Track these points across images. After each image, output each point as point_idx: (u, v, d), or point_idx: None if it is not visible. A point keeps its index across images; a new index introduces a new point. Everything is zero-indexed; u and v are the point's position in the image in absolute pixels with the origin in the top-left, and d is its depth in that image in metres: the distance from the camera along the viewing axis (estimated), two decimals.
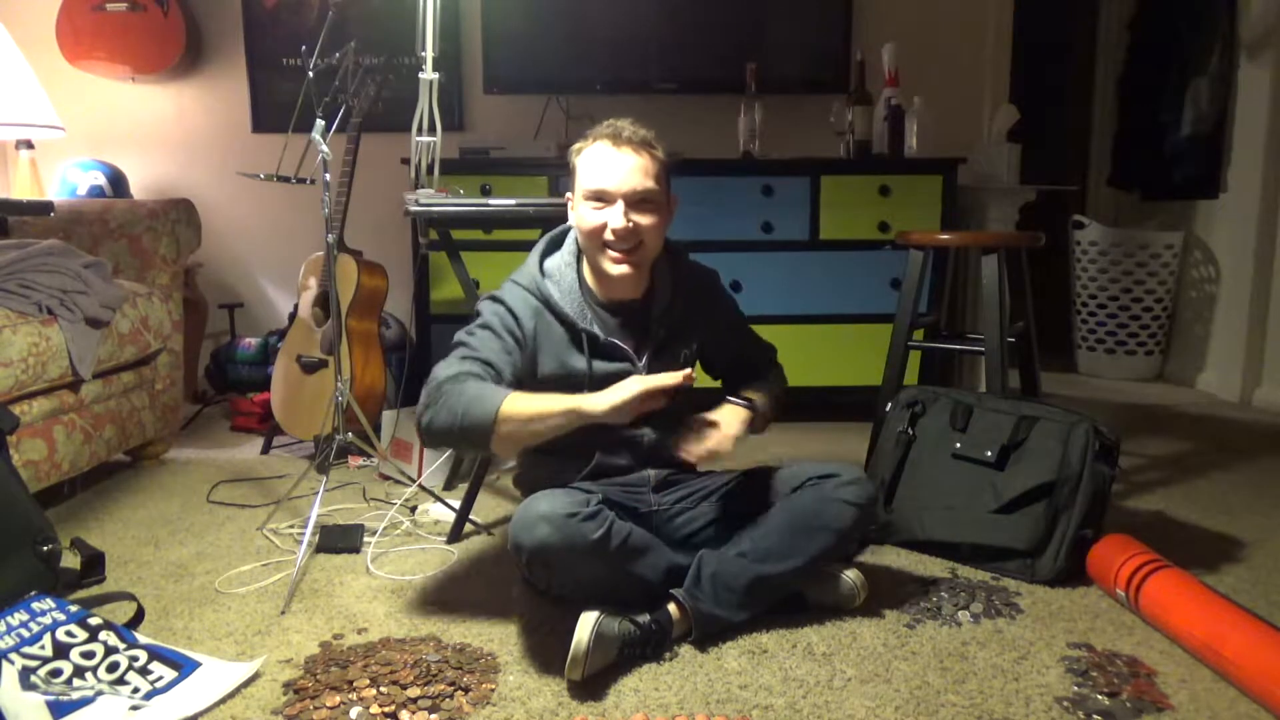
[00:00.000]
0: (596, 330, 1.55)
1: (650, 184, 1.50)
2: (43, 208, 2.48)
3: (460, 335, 1.53)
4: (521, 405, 1.37)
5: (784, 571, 1.49)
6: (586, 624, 1.31)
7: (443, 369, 1.47)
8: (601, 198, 1.49)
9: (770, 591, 1.50)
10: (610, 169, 1.49)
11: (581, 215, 1.52)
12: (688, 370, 1.37)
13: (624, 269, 1.52)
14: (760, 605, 1.49)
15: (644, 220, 1.51)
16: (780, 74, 3.27)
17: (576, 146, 1.54)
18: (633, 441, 1.59)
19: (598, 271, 1.56)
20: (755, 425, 1.60)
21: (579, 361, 1.54)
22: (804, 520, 1.51)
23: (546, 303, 1.55)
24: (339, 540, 1.87)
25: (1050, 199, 3.53)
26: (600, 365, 1.54)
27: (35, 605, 1.33)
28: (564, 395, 1.40)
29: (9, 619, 1.28)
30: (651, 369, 1.55)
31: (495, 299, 1.56)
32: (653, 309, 1.61)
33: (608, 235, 1.49)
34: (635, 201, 1.49)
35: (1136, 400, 3.44)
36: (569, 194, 1.58)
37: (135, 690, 1.26)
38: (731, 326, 1.74)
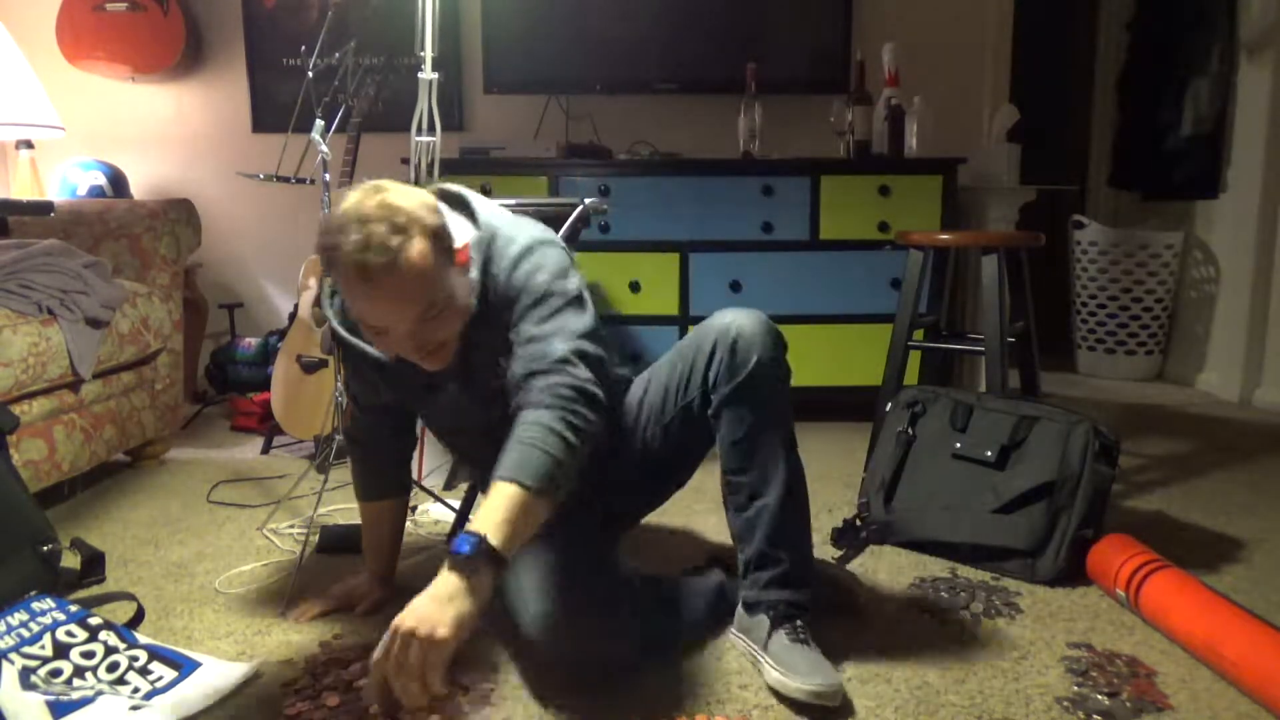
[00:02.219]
0: (382, 358, 1.38)
1: (429, 298, 1.20)
2: (43, 208, 2.48)
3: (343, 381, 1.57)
4: (363, 522, 1.64)
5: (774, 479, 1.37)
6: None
7: (347, 434, 1.62)
8: (383, 332, 1.24)
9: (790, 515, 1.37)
10: (373, 310, 1.20)
11: (365, 331, 1.28)
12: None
13: (432, 365, 1.30)
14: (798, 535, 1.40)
15: (443, 328, 1.25)
16: (780, 74, 3.27)
17: (322, 255, 1.21)
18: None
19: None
20: (477, 595, 1.10)
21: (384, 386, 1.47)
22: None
23: (345, 342, 1.42)
24: (339, 540, 1.87)
25: (1050, 199, 3.53)
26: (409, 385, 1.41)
27: (35, 605, 1.33)
28: (374, 552, 1.63)
29: (9, 619, 1.28)
30: (468, 389, 1.38)
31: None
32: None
33: (412, 356, 1.28)
34: (424, 321, 1.23)
35: (1136, 400, 3.44)
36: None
37: (135, 690, 1.26)
38: (520, 318, 1.30)
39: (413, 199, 1.21)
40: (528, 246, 1.32)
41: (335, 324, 1.42)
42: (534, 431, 1.19)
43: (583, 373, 1.25)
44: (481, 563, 1.10)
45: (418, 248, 1.18)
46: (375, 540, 1.63)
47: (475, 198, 1.40)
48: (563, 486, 1.18)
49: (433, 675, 1.05)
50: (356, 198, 1.20)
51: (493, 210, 1.39)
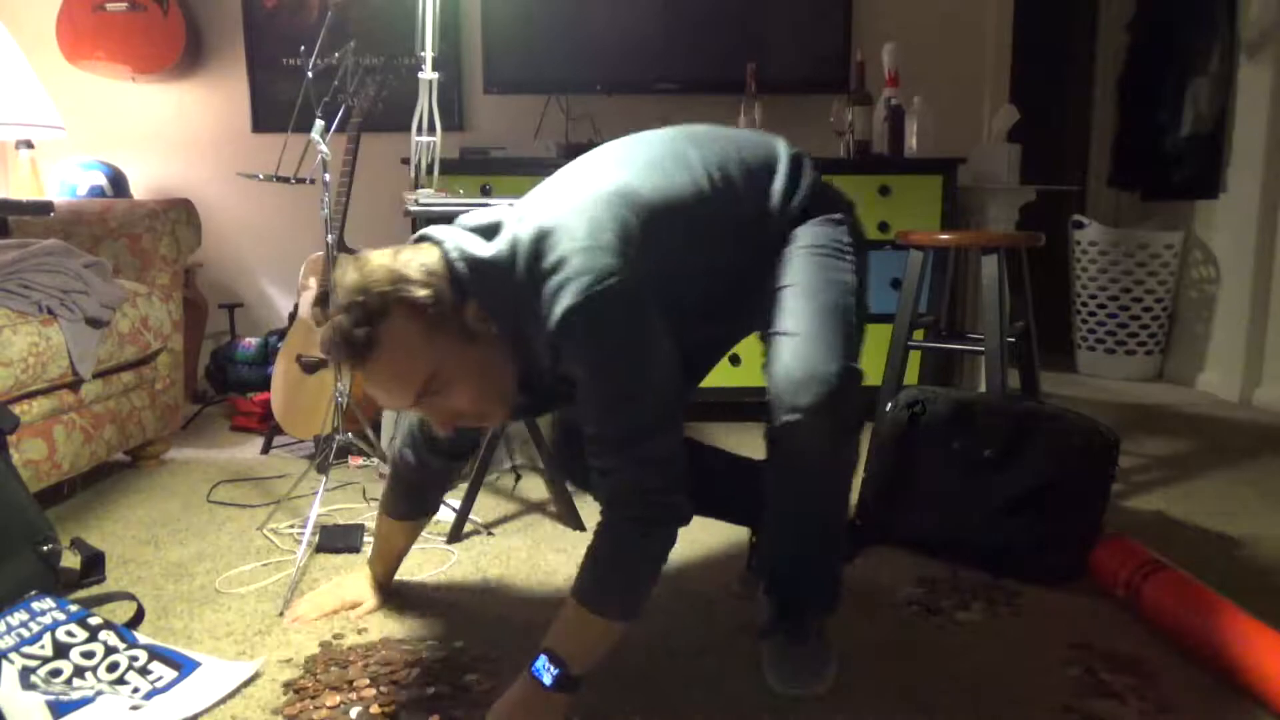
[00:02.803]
0: None
1: (419, 377, 1.13)
2: (43, 208, 2.48)
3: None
4: (380, 532, 1.61)
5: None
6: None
7: (403, 441, 1.53)
8: None
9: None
10: (375, 395, 1.18)
11: None
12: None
13: (490, 423, 1.27)
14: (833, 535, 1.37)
15: (455, 399, 1.16)
16: (780, 74, 3.27)
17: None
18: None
19: None
20: None
21: None
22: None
23: None
24: (339, 540, 1.87)
25: (1050, 199, 3.53)
26: None
27: (35, 605, 1.33)
28: (385, 563, 1.63)
29: (9, 619, 1.28)
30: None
31: None
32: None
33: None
34: (426, 398, 1.16)
35: (1136, 400, 3.44)
36: None
37: (135, 690, 1.26)
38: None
39: (394, 268, 1.12)
40: (562, 283, 1.09)
41: None
42: (617, 558, 1.17)
43: (655, 499, 1.15)
44: (562, 696, 1.14)
45: (391, 332, 1.10)
46: (388, 552, 1.62)
47: (488, 215, 1.24)
48: (643, 604, 1.19)
49: None
50: (338, 279, 1.14)
51: (515, 217, 1.20)
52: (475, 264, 1.16)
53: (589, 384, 1.14)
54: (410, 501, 1.56)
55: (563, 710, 1.16)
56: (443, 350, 1.13)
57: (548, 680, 1.13)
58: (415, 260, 1.14)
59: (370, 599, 1.59)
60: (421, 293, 1.11)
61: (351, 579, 1.63)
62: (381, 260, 1.14)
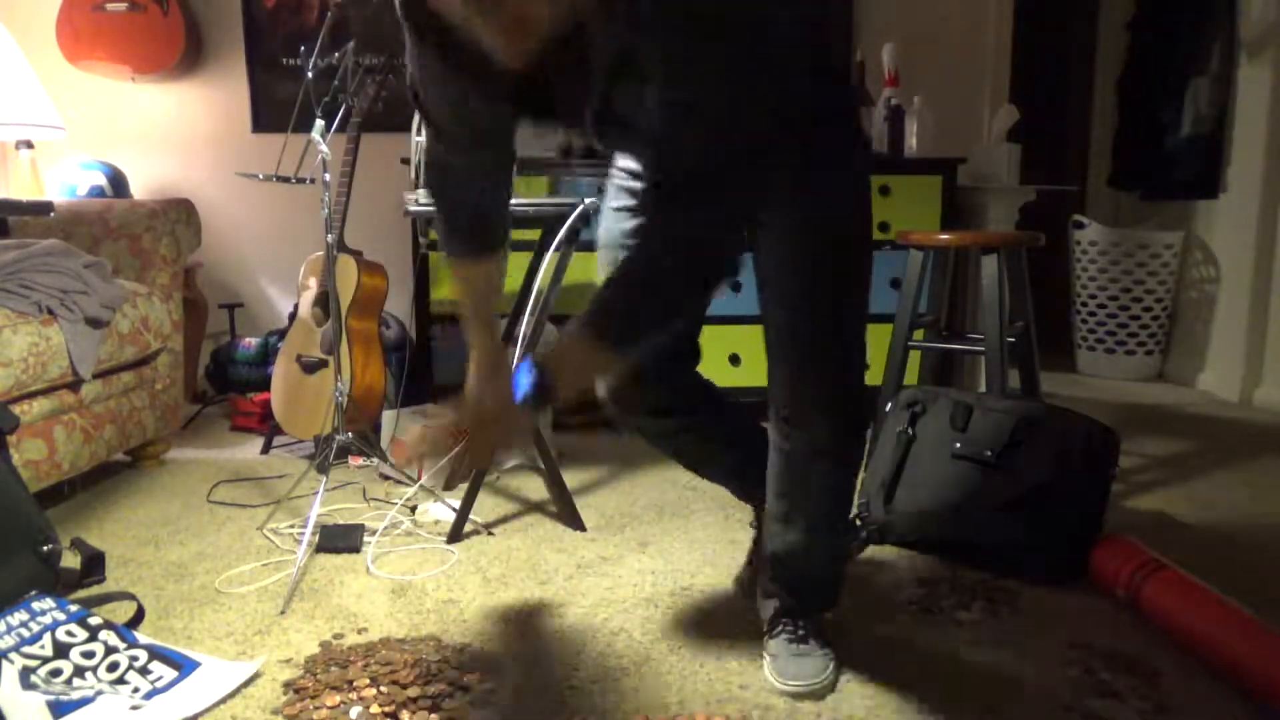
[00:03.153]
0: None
1: None
2: (42, 208, 2.48)
3: (411, 84, 1.29)
4: (459, 282, 1.33)
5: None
6: None
7: (428, 174, 1.34)
8: None
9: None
10: None
11: None
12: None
13: (512, 54, 0.95)
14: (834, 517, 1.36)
15: None
16: None
17: None
18: None
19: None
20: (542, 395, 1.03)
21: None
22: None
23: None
24: (339, 540, 1.87)
25: (1050, 199, 3.53)
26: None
27: (35, 605, 1.33)
28: (478, 318, 1.31)
29: (9, 619, 1.28)
30: (600, 130, 1.14)
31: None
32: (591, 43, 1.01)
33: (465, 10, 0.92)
34: None
35: (1136, 400, 3.44)
36: None
37: (135, 690, 1.26)
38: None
39: None
40: None
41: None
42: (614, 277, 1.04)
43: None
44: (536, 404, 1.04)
45: None
46: (479, 302, 1.32)
47: None
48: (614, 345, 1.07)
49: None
50: None
51: None
52: None
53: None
54: (466, 230, 1.31)
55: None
56: None
57: (529, 386, 1.04)
58: None
59: (496, 375, 1.32)
60: None
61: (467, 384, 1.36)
62: None
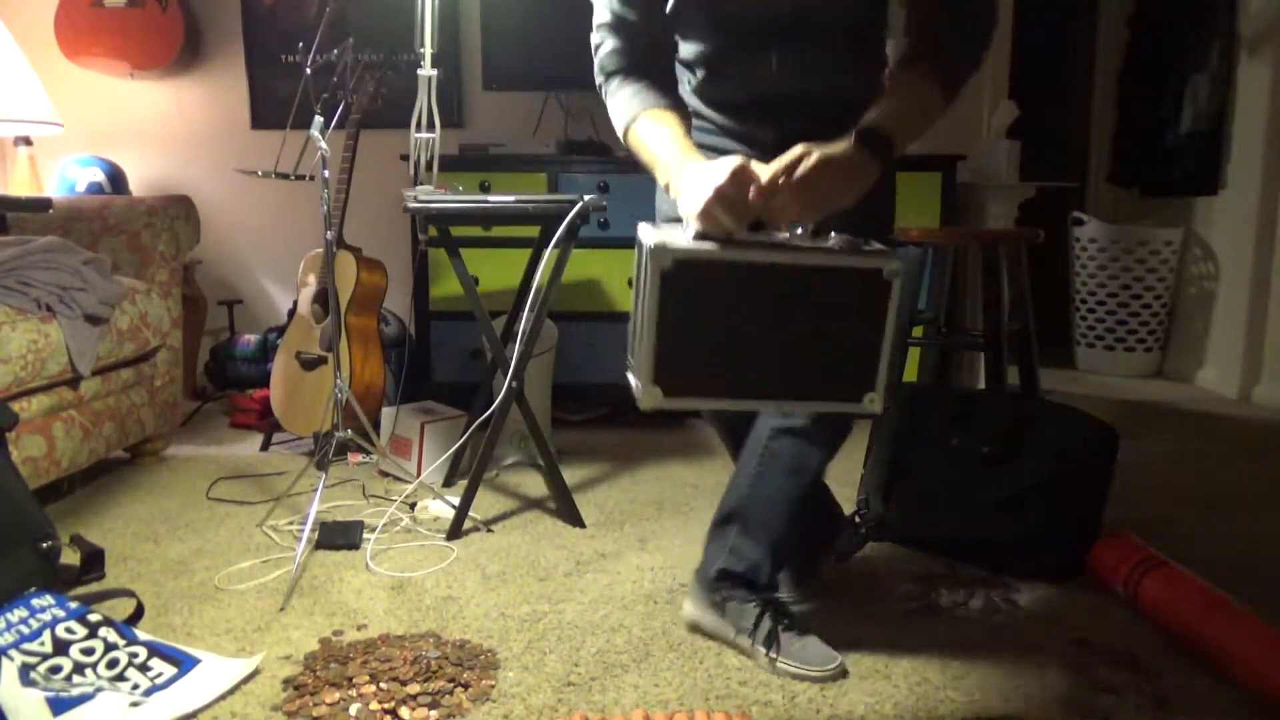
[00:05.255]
0: None
1: None
2: (41, 204, 2.48)
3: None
4: (639, 138, 1.32)
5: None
6: None
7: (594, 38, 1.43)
8: None
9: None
10: None
11: None
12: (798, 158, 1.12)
13: None
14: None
15: None
16: None
17: None
18: None
19: None
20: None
21: None
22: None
23: None
24: (338, 537, 1.87)
25: (1050, 196, 3.52)
26: None
27: (35, 602, 1.33)
28: (670, 151, 1.26)
29: (8, 615, 1.28)
30: None
31: None
32: None
33: None
34: None
35: (1135, 397, 3.44)
36: None
37: (135, 687, 1.26)
38: None
39: None
40: None
41: None
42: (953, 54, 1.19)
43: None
44: (881, 157, 1.12)
45: None
46: (662, 140, 1.28)
47: None
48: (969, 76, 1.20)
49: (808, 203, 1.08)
50: None
51: None
52: None
53: None
54: (647, 87, 1.35)
55: (871, 177, 1.13)
56: None
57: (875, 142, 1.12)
58: None
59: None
60: None
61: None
62: None
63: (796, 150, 1.08)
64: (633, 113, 1.33)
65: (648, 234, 1.12)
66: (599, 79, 1.41)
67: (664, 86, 1.37)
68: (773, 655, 1.35)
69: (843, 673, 1.34)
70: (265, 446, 2.66)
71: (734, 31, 1.32)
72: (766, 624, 1.37)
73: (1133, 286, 3.77)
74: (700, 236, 1.12)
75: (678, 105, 1.36)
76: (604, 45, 1.41)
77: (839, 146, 1.11)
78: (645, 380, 1.14)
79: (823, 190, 1.08)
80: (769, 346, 1.14)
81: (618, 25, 1.38)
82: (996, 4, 1.24)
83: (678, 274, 1.10)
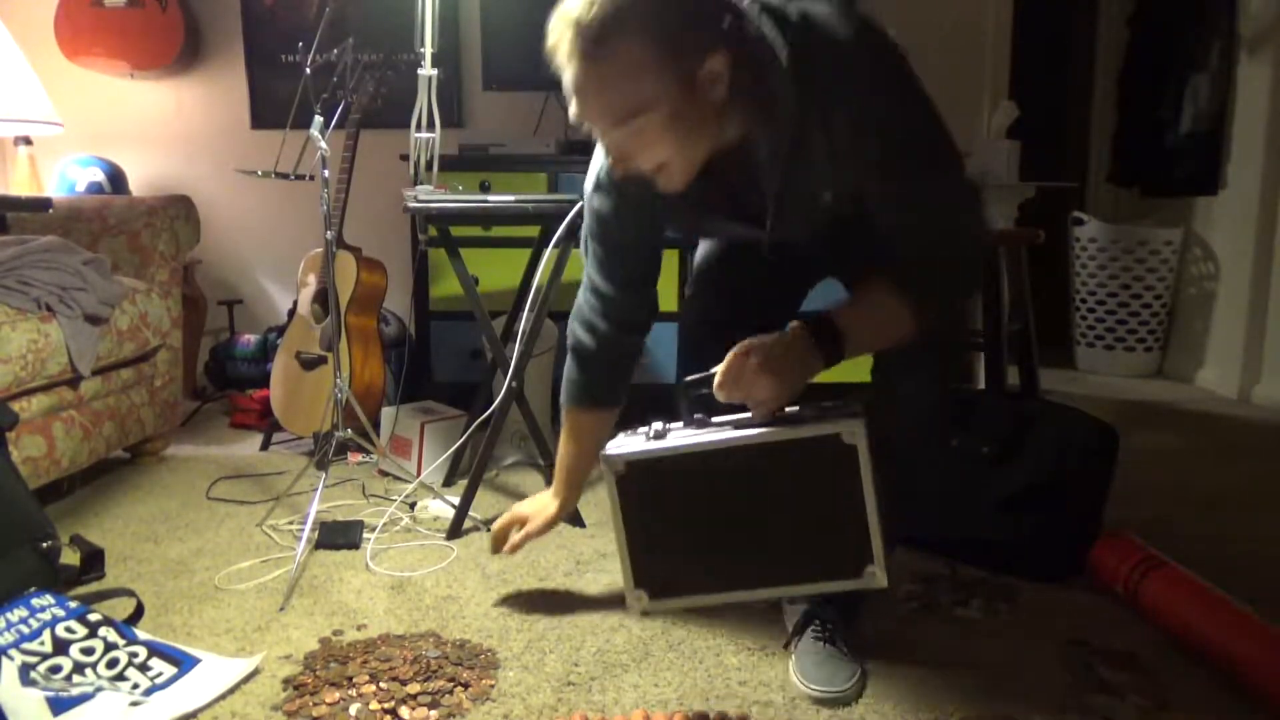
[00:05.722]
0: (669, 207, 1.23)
1: (629, 103, 1.06)
2: (41, 204, 2.48)
3: (584, 235, 1.42)
4: (563, 425, 1.52)
5: None
6: None
7: (578, 300, 1.48)
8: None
9: None
10: (572, 96, 1.10)
11: None
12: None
13: (661, 184, 1.15)
14: None
15: (643, 148, 1.10)
16: None
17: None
18: None
19: None
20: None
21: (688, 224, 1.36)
22: None
23: (606, 184, 1.31)
24: (338, 536, 1.87)
25: (1050, 196, 3.53)
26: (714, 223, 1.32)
27: (35, 601, 1.33)
28: (568, 458, 1.51)
29: (8, 615, 1.28)
30: (777, 227, 1.20)
31: (588, 195, 1.37)
32: (757, 151, 1.15)
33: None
34: (616, 129, 1.09)
35: (1135, 396, 3.44)
36: None
37: (135, 686, 1.26)
38: (872, 165, 1.13)
39: None
40: (849, 51, 1.08)
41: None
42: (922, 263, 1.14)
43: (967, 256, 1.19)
44: (827, 350, 1.12)
45: (627, 45, 1.03)
46: (573, 451, 1.50)
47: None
48: (941, 317, 1.16)
49: (760, 396, 1.09)
50: None
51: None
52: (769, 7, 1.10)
53: (887, 159, 1.12)
54: (590, 384, 1.48)
55: (815, 369, 1.12)
56: (662, 87, 1.06)
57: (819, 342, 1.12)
58: None
59: (551, 506, 1.51)
60: (677, 24, 1.05)
61: (539, 497, 1.56)
62: None
63: (737, 350, 1.10)
64: (566, 397, 1.51)
65: (611, 441, 1.17)
66: (572, 322, 1.50)
67: (609, 378, 1.49)
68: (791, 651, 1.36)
69: (850, 696, 1.28)
70: (265, 446, 2.66)
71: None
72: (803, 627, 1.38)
73: (1132, 286, 3.77)
74: (655, 437, 1.13)
75: (608, 401, 1.50)
76: (580, 303, 1.48)
77: (785, 340, 1.11)
78: (628, 585, 1.14)
79: (762, 385, 1.09)
80: (750, 534, 1.12)
81: (595, 293, 1.45)
82: (978, 275, 1.25)
83: (633, 477, 1.12)
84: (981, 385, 2.60)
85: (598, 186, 1.35)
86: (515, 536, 1.56)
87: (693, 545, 1.13)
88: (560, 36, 1.07)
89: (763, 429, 1.09)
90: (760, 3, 1.11)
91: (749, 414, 1.14)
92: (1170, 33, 3.79)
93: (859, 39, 1.08)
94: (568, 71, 1.08)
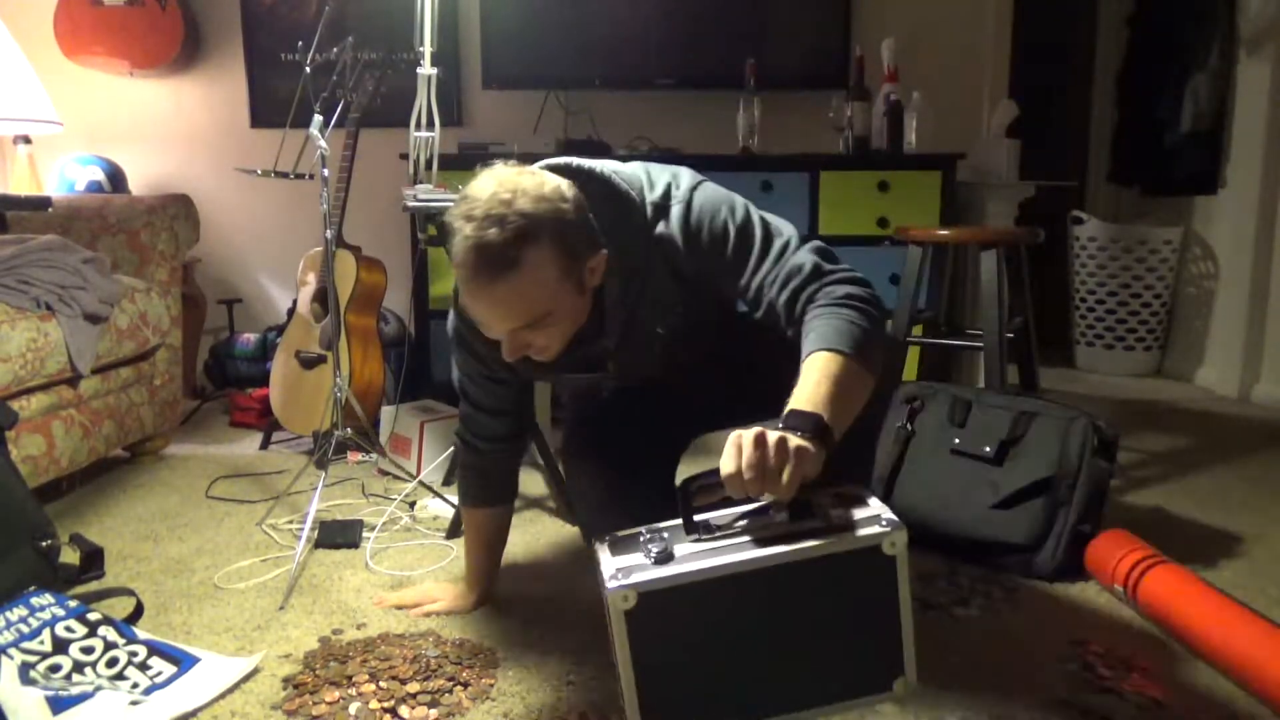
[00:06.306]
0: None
1: (534, 308, 1.15)
2: (40, 203, 2.48)
3: (456, 374, 1.48)
4: (465, 526, 1.59)
5: None
6: None
7: (459, 436, 1.54)
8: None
9: None
10: (473, 307, 1.16)
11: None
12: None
13: (540, 358, 1.24)
14: None
15: (542, 338, 1.19)
16: (779, 70, 3.26)
17: (445, 220, 1.15)
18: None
19: None
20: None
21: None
22: None
23: (466, 332, 1.37)
24: (338, 535, 1.87)
25: (1049, 195, 3.52)
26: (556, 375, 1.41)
27: (34, 600, 1.33)
28: (475, 556, 1.57)
29: (8, 614, 1.28)
30: (623, 370, 1.35)
31: (450, 330, 1.43)
32: (603, 299, 1.27)
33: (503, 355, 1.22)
34: (521, 329, 1.17)
35: (1135, 396, 3.44)
36: None
37: (135, 685, 1.26)
38: (724, 273, 1.24)
39: (551, 195, 1.14)
40: (687, 200, 1.25)
41: (458, 321, 1.37)
42: (828, 318, 1.12)
43: (843, 287, 1.17)
44: (821, 436, 1.00)
45: (534, 261, 1.11)
46: (472, 546, 1.58)
47: (597, 165, 1.28)
48: (874, 358, 1.11)
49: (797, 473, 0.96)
50: (491, 179, 1.14)
51: (625, 172, 1.29)
52: (613, 193, 1.24)
53: (739, 250, 1.22)
54: (480, 485, 1.54)
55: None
56: (562, 294, 1.17)
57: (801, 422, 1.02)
58: (567, 189, 1.18)
59: (463, 601, 1.55)
60: (572, 229, 1.15)
61: (450, 585, 1.61)
62: (546, 180, 1.16)
63: (747, 439, 0.96)
64: (461, 496, 1.57)
65: (605, 561, 1.00)
66: (457, 428, 1.54)
67: (497, 482, 1.54)
68: None
69: None
70: (265, 445, 2.66)
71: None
72: None
73: (1132, 285, 3.77)
74: (662, 558, 0.98)
75: (501, 500, 1.56)
76: (460, 413, 1.52)
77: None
78: None
79: (790, 474, 0.96)
80: (771, 658, 0.99)
81: (468, 415, 1.50)
82: (878, 302, 1.18)
83: (644, 610, 0.95)
84: (981, 384, 2.60)
85: (454, 338, 1.42)
86: (419, 607, 1.56)
87: (708, 676, 0.99)
88: (468, 254, 1.10)
89: (789, 543, 0.96)
90: (607, 168, 1.27)
91: (753, 513, 1.03)
92: (1170, 32, 3.79)
93: (693, 177, 1.29)
94: (476, 287, 1.12)
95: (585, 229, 1.19)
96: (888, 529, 0.96)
